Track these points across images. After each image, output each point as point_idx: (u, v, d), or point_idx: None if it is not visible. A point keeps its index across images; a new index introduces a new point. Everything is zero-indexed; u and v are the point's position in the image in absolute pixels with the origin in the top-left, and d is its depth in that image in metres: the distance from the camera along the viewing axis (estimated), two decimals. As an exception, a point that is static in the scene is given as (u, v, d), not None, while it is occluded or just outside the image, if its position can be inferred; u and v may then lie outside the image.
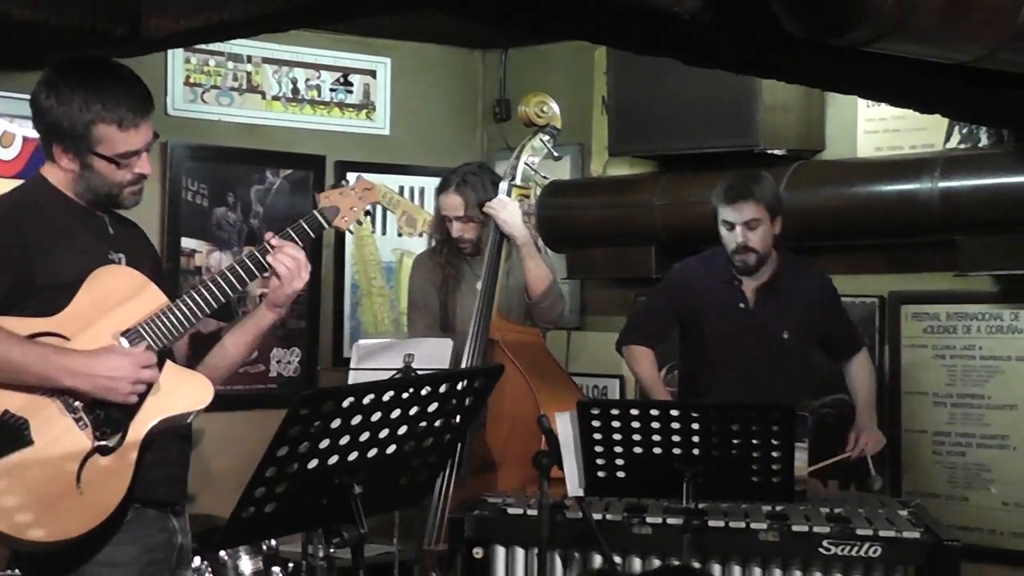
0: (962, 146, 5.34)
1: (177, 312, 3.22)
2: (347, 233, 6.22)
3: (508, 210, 4.96)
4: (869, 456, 4.93)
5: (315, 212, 3.41)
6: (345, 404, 2.85)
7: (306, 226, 3.36)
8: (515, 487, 4.58)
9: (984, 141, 5.28)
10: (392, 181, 6.50)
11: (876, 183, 5.27)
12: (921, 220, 5.12)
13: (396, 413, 2.94)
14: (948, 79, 3.63)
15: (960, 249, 5.09)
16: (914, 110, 4.71)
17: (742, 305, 4.95)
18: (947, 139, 5.40)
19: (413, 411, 2.98)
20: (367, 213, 3.50)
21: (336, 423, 2.85)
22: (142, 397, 3.14)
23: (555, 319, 5.31)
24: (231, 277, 3.27)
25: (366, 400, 2.88)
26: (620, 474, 3.90)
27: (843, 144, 5.68)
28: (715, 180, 5.04)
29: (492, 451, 4.88)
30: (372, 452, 2.96)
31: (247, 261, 3.31)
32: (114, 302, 3.19)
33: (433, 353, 4.80)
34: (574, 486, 3.92)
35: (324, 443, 2.86)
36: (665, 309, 5.18)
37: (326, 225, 3.42)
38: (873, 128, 5.60)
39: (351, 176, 3.79)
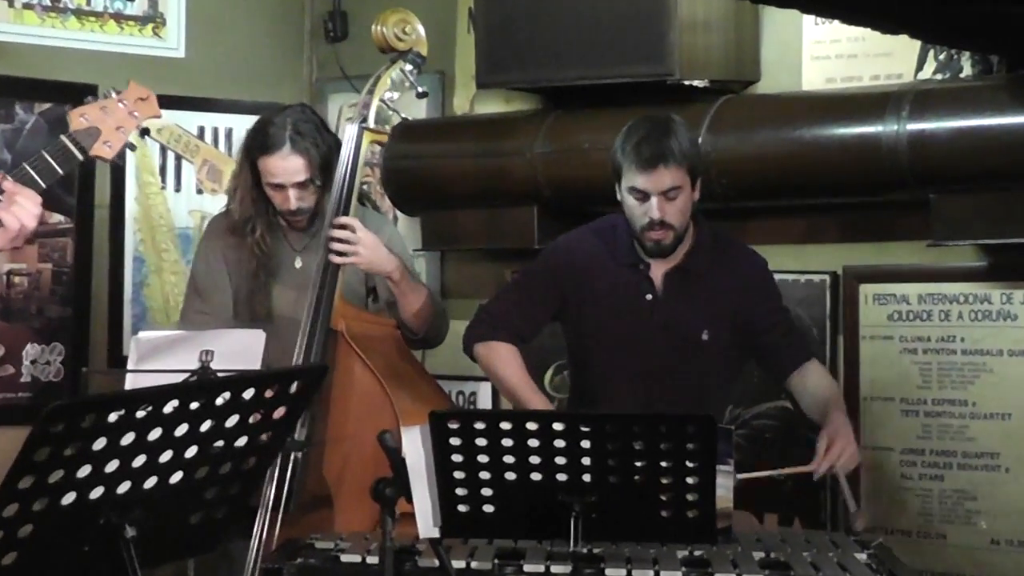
0: (938, 77, 5.42)
1: None
2: (125, 186, 6.10)
3: (368, 245, 5.00)
4: (842, 476, 4.70)
5: (63, 138, 3.36)
6: (112, 418, 2.83)
7: (31, 170, 3.29)
8: (358, 526, 4.60)
9: (967, 71, 5.36)
10: (189, 120, 6.58)
11: (826, 124, 5.31)
12: (884, 173, 5.18)
13: (183, 430, 2.95)
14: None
15: (934, 211, 5.16)
16: (875, 30, 4.76)
17: (649, 296, 4.86)
18: (919, 68, 5.48)
19: (206, 427, 2.99)
20: (144, 133, 3.45)
21: (100, 444, 2.84)
22: None
23: (441, 338, 5.45)
24: None
25: (141, 413, 2.87)
26: (488, 508, 3.90)
27: (784, 74, 5.75)
28: (616, 121, 5.01)
29: (328, 480, 4.91)
30: (151, 482, 2.96)
31: None
32: None
33: (240, 349, 4.76)
34: (427, 524, 3.91)
35: (84, 471, 2.85)
36: (541, 296, 5.02)
37: (79, 156, 3.37)
38: (823, 53, 5.67)
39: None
